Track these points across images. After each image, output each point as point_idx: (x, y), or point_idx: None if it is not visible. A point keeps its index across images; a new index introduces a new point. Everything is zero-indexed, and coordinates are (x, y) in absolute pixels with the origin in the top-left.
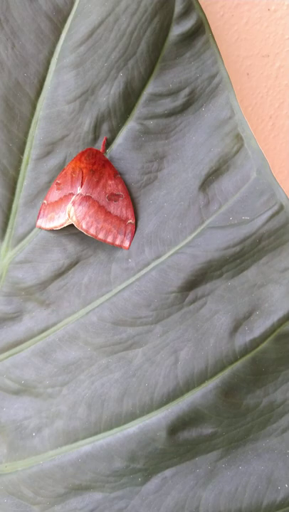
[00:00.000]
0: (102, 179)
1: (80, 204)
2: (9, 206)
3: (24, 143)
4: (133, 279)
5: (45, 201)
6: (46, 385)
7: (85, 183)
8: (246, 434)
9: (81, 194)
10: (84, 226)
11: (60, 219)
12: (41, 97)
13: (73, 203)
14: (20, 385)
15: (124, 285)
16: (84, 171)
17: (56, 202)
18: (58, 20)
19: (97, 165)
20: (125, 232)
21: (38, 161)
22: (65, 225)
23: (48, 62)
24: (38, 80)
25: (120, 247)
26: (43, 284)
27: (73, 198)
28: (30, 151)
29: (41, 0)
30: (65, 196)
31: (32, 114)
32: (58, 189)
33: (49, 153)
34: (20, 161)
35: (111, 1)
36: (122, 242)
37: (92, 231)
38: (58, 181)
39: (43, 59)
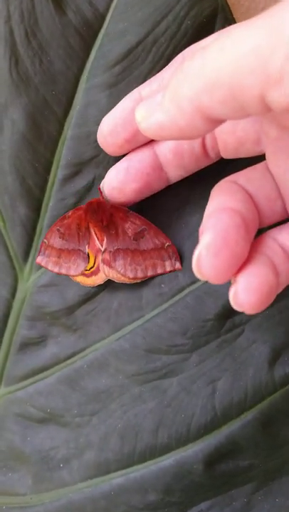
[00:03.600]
0: (118, 228)
1: (114, 261)
2: (33, 227)
3: (51, 163)
4: (166, 305)
5: (45, 241)
6: (74, 414)
7: (106, 241)
8: (282, 466)
9: (109, 251)
10: (131, 275)
11: (76, 270)
12: (69, 116)
13: (106, 263)
14: (46, 414)
15: (157, 311)
16: (95, 230)
17: (62, 251)
18: (89, 35)
19: (106, 220)
20: (170, 256)
21: (65, 181)
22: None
23: (78, 80)
24: (66, 98)
25: (174, 270)
26: (70, 309)
27: (100, 258)
28: (57, 172)
29: (71, 13)
30: (73, 250)
31: (60, 133)
32: (60, 237)
33: (77, 174)
34: (46, 182)
35: (150, 21)
36: (173, 265)
37: (139, 275)
38: (60, 230)
39: (71, 76)
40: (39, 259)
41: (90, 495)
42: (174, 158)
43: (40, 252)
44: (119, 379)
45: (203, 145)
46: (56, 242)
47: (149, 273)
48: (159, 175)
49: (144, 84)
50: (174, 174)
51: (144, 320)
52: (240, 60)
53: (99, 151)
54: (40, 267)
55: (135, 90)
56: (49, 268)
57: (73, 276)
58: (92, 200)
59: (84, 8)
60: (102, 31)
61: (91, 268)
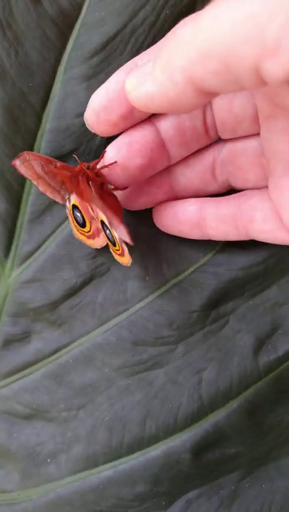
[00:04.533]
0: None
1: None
2: (14, 222)
3: None
4: (152, 297)
5: (26, 156)
6: (61, 408)
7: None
8: (268, 453)
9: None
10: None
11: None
12: (47, 108)
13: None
14: (32, 410)
15: (142, 304)
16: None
17: (41, 179)
18: (65, 25)
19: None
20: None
21: None
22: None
23: (55, 72)
24: (43, 90)
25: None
26: (54, 304)
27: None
28: None
29: (46, 4)
30: (53, 188)
31: (38, 126)
32: (42, 170)
33: None
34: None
35: (128, 11)
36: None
37: None
38: (44, 168)
39: (49, 68)
40: (15, 162)
41: (79, 489)
42: (176, 135)
43: (17, 157)
44: (105, 372)
45: (204, 122)
46: (37, 168)
47: None
48: (162, 152)
49: (141, 54)
50: (176, 153)
51: (130, 313)
52: (235, 28)
53: (78, 144)
54: (22, 262)
55: (130, 61)
56: (26, 174)
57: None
58: (77, 169)
59: None
60: (79, 21)
61: (88, 231)
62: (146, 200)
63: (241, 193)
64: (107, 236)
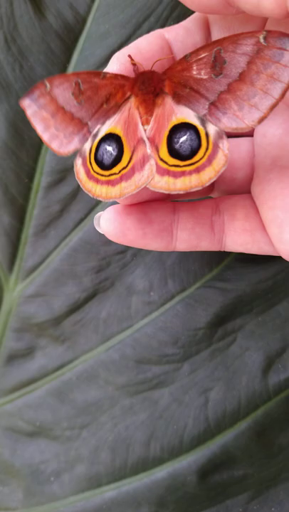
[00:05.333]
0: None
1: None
2: (18, 236)
3: (34, 170)
4: (157, 313)
5: (47, 84)
6: (64, 427)
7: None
8: (278, 474)
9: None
10: None
11: (62, 147)
12: None
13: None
14: (35, 427)
15: (146, 320)
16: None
17: (62, 111)
18: (70, 39)
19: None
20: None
21: (49, 189)
22: None
23: None
24: None
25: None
26: (58, 320)
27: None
28: (41, 179)
29: (51, 18)
30: (77, 120)
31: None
32: (73, 94)
33: (61, 181)
34: (29, 189)
35: (132, 23)
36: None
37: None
38: (81, 85)
39: None
40: (25, 102)
41: (82, 509)
42: None
43: (30, 92)
44: (109, 391)
45: None
46: (63, 95)
47: None
48: None
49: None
50: None
51: (134, 330)
52: None
53: None
54: (26, 276)
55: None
56: (32, 121)
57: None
58: (145, 70)
59: (64, 11)
60: (84, 34)
61: (122, 169)
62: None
63: (216, 198)
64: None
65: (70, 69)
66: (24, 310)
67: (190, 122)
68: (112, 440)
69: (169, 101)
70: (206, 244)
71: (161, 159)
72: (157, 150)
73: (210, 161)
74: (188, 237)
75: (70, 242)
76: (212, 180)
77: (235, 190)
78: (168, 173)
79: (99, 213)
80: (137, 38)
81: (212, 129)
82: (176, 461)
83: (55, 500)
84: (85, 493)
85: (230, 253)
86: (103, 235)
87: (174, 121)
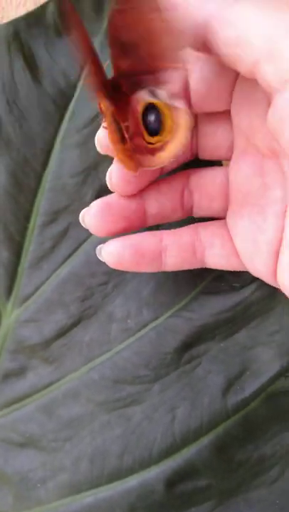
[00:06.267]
0: None
1: None
2: (15, 269)
3: (30, 212)
4: (132, 339)
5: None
6: (50, 439)
7: None
8: (238, 486)
9: None
10: None
11: None
12: (47, 171)
13: None
14: (25, 439)
15: (123, 345)
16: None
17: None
18: (62, 102)
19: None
20: None
21: (43, 227)
22: None
23: (54, 141)
24: (44, 156)
25: None
26: (47, 343)
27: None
28: (36, 219)
29: (47, 84)
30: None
31: (38, 186)
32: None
33: (54, 221)
34: (26, 228)
35: None
36: None
37: None
38: None
39: (48, 137)
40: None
41: None
42: None
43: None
44: (89, 408)
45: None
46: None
47: None
48: None
49: None
50: None
51: (112, 353)
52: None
53: (73, 200)
54: (21, 303)
55: None
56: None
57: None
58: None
59: (58, 78)
60: (74, 98)
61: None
62: (121, 226)
63: (196, 224)
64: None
65: (63, 127)
66: (19, 334)
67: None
68: (91, 452)
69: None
70: (190, 266)
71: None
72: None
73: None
74: (174, 261)
75: (60, 274)
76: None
77: (212, 215)
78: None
79: (100, 246)
80: None
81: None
82: (145, 472)
83: (41, 505)
84: (67, 498)
85: (196, 287)
86: (88, 268)
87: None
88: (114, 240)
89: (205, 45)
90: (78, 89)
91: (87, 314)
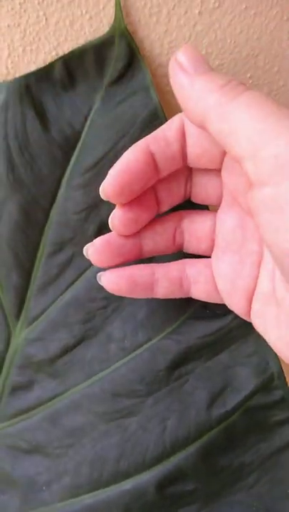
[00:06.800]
0: None
1: None
2: (24, 293)
3: (39, 243)
4: (129, 358)
5: None
6: (55, 446)
7: None
8: (221, 490)
9: None
10: None
11: None
12: (54, 207)
13: None
14: (32, 446)
15: (120, 363)
16: None
17: None
18: (68, 148)
19: None
20: None
21: (50, 256)
22: None
23: (60, 182)
24: (51, 195)
25: None
26: (52, 360)
27: None
28: (44, 249)
29: (54, 132)
30: None
31: (46, 220)
32: None
33: (59, 251)
34: (35, 257)
35: (112, 141)
36: None
37: None
38: None
39: (55, 179)
40: None
41: None
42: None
43: None
44: (90, 418)
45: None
46: None
47: None
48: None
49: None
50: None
51: (111, 370)
52: None
53: (75, 233)
54: (29, 324)
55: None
56: None
57: None
58: None
59: (64, 127)
60: (79, 145)
61: None
62: (118, 260)
63: (184, 260)
64: None
65: (68, 170)
66: (27, 351)
67: None
68: (91, 458)
69: None
70: (178, 295)
71: None
72: None
73: None
74: (164, 291)
75: (64, 299)
76: None
77: (200, 253)
78: None
79: (100, 273)
80: (115, 151)
81: None
82: (139, 476)
83: (46, 506)
84: (69, 500)
85: (185, 313)
86: (90, 294)
87: None
88: (113, 270)
89: (201, 125)
90: (82, 137)
91: (89, 335)
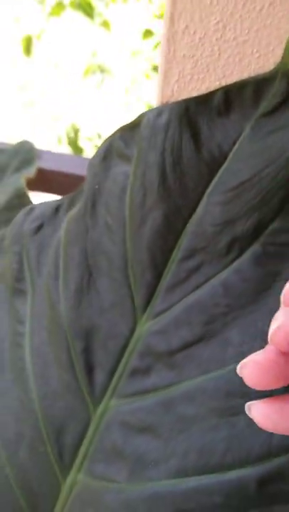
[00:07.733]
0: None
1: None
2: (154, 290)
3: (174, 247)
4: None
5: None
6: (166, 429)
7: None
8: None
9: None
10: None
11: None
12: (192, 218)
13: None
14: (144, 425)
15: (236, 365)
16: None
17: None
18: (214, 167)
19: None
20: None
21: (181, 261)
22: None
23: (201, 196)
24: (192, 206)
25: None
26: (172, 352)
27: None
28: (177, 254)
29: (204, 152)
30: None
31: (183, 228)
32: None
33: (190, 257)
34: (168, 260)
35: (258, 168)
36: None
37: None
38: None
39: (198, 193)
40: None
41: (171, 490)
42: None
43: None
44: (202, 410)
45: None
46: None
47: None
48: None
49: None
50: None
51: (226, 370)
52: None
53: (208, 242)
54: (154, 317)
55: None
56: None
57: None
58: None
59: (214, 148)
60: (224, 167)
61: None
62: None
63: None
64: None
65: (211, 187)
66: (148, 341)
67: None
68: (200, 447)
69: None
70: None
71: None
72: None
73: None
74: None
75: (188, 300)
76: None
77: None
78: None
79: (250, 403)
80: (259, 178)
81: None
82: (243, 470)
83: (152, 482)
84: (175, 479)
85: None
86: (212, 300)
87: None
88: (265, 402)
89: None
90: (228, 160)
91: (208, 335)
